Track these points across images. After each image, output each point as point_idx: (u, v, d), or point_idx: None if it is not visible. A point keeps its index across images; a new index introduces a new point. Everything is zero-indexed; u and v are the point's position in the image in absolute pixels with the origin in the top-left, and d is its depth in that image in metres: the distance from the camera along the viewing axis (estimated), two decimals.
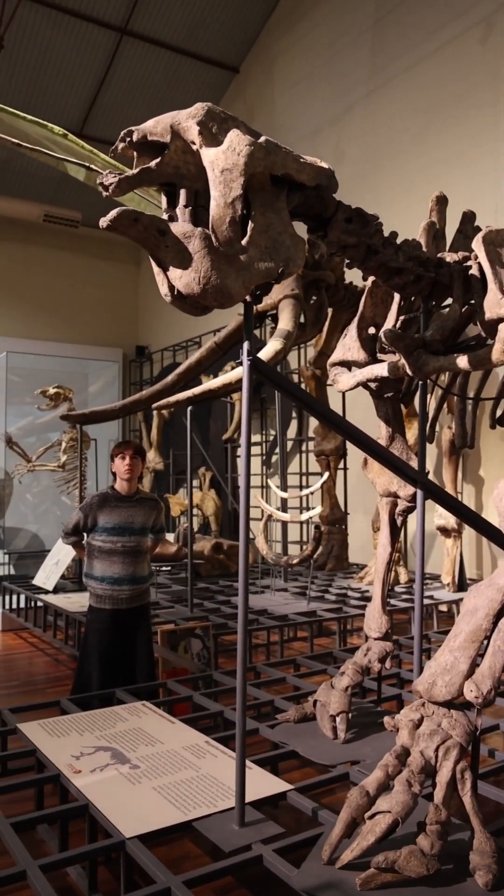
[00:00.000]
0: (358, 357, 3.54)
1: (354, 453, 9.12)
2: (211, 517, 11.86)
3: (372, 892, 2.28)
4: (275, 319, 6.07)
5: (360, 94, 10.57)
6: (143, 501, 4.79)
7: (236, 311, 6.42)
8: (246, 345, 2.59)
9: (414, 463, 3.60)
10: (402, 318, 3.50)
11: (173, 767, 3.19)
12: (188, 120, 2.25)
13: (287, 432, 11.12)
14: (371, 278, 3.46)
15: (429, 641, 5.77)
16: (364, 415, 5.27)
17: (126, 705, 4.08)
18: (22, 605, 7.91)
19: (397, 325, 3.48)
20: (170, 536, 9.27)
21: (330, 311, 7.32)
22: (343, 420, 3.01)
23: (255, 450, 11.87)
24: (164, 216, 2.35)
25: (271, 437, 12.03)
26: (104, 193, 2.24)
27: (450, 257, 3.32)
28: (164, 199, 2.39)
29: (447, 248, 3.80)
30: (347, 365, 3.68)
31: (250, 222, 2.31)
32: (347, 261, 2.98)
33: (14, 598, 8.10)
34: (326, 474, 8.16)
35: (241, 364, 2.64)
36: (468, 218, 4.01)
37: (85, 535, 4.80)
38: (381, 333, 3.11)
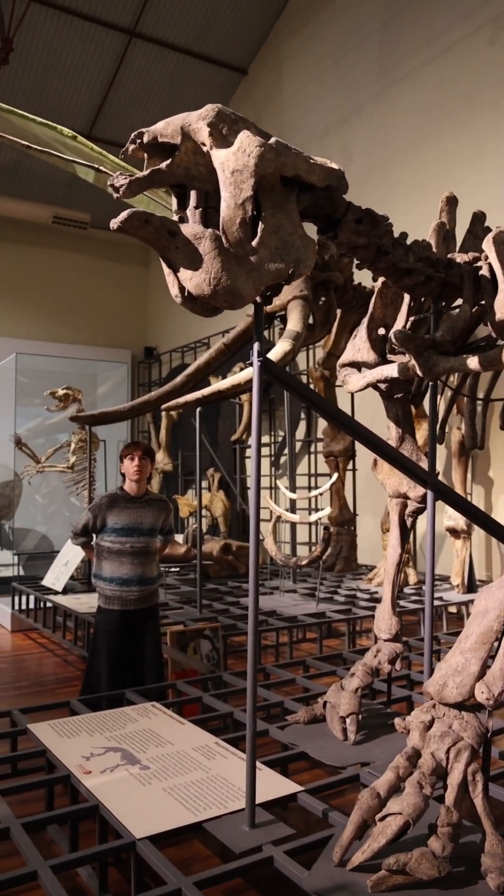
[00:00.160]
0: (368, 358, 3.54)
1: (363, 454, 9.11)
2: (219, 518, 11.86)
3: (383, 894, 2.27)
4: (283, 320, 6.07)
5: (369, 94, 10.57)
6: (152, 502, 4.80)
7: (245, 313, 6.42)
8: (256, 346, 2.59)
9: (424, 464, 3.59)
10: (412, 318, 3.50)
11: (183, 768, 3.19)
12: (199, 121, 2.25)
13: (296, 433, 11.12)
14: (381, 279, 3.45)
15: (438, 643, 5.75)
16: (372, 416, 5.27)
17: (136, 706, 4.08)
18: (31, 605, 7.92)
19: (407, 326, 3.48)
20: (179, 537, 9.28)
21: (339, 312, 7.31)
22: (353, 421, 3.01)
23: (264, 451, 11.87)
24: (175, 217, 2.35)
25: (280, 438, 12.02)
26: (115, 195, 2.25)
27: (460, 258, 3.31)
28: (174, 201, 2.39)
29: (457, 248, 3.79)
30: (357, 366, 3.67)
31: (261, 223, 2.31)
32: (357, 262, 2.98)
33: (23, 598, 8.12)
34: (335, 475, 8.16)
35: (250, 365, 2.64)
36: (478, 218, 4.00)
37: (94, 536, 4.81)
38: (392, 334, 3.10)
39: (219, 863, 2.85)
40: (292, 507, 8.40)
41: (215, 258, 2.24)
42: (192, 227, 2.27)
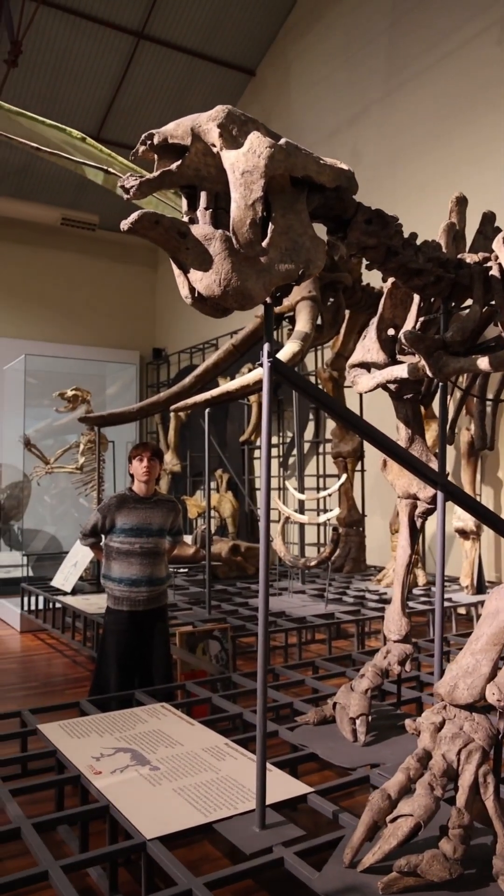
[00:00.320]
0: (377, 358, 3.53)
1: (372, 455, 9.09)
2: (228, 519, 11.87)
3: (394, 895, 2.27)
4: (292, 321, 6.06)
5: (377, 95, 10.56)
6: (161, 503, 4.80)
7: (253, 314, 6.42)
8: (266, 346, 2.59)
9: (434, 464, 3.58)
10: (421, 319, 3.49)
11: (193, 769, 3.19)
12: (209, 122, 2.25)
13: (304, 434, 11.11)
14: (391, 279, 3.45)
15: (448, 644, 5.73)
16: (381, 416, 5.26)
17: (145, 707, 4.08)
18: (40, 606, 7.94)
19: (417, 327, 3.47)
20: (187, 538, 9.28)
21: (347, 312, 7.30)
22: (363, 422, 3.00)
23: (273, 451, 11.87)
24: (185, 219, 2.36)
25: (289, 439, 12.02)
26: (125, 196, 2.25)
27: (470, 258, 3.30)
28: (184, 202, 2.39)
29: (467, 248, 3.78)
30: (367, 366, 3.67)
31: (270, 224, 2.31)
32: (367, 262, 2.97)
33: (33, 599, 8.14)
34: (344, 476, 8.15)
35: (259, 366, 2.63)
36: (488, 219, 3.99)
37: (103, 536, 4.82)
38: (402, 335, 3.10)
39: (228, 864, 2.85)
40: (301, 508, 8.40)
41: (225, 259, 2.24)
42: (202, 229, 2.27)
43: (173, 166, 2.25)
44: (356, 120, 10.96)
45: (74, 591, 7.69)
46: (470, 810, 2.37)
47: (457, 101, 9.19)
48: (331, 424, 10.20)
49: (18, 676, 6.25)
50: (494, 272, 3.18)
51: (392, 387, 3.66)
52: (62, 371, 12.47)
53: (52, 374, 12.11)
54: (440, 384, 3.56)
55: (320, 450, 11.07)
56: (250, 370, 7.94)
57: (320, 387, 9.16)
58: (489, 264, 3.23)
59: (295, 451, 10.70)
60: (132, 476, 4.79)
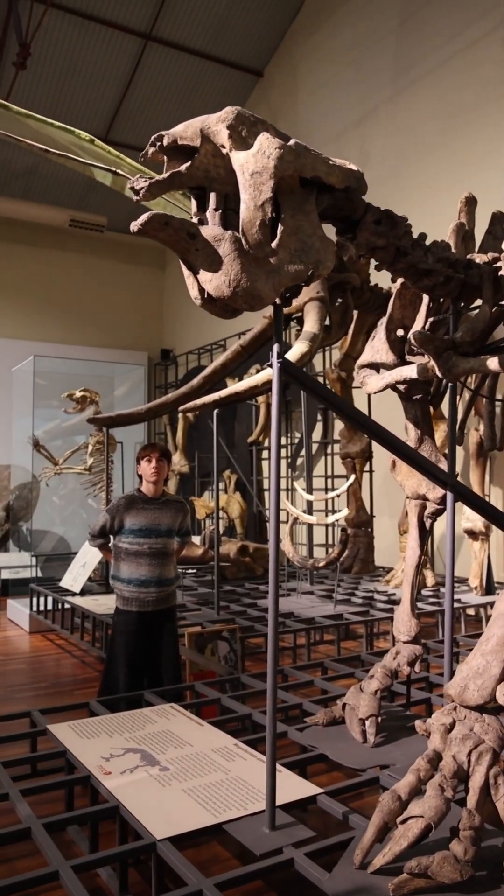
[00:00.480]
0: (387, 359, 3.53)
1: (380, 456, 9.08)
2: (236, 520, 11.86)
3: None
4: (300, 322, 6.07)
5: (385, 96, 10.55)
6: (170, 503, 4.81)
7: (262, 315, 6.42)
8: (276, 347, 2.60)
9: (443, 465, 3.57)
10: (430, 319, 3.49)
11: (203, 770, 3.19)
12: (218, 124, 2.25)
13: (312, 435, 11.10)
14: (400, 280, 3.44)
15: (457, 645, 5.72)
16: (389, 417, 5.25)
17: (154, 707, 4.09)
18: (49, 607, 7.96)
19: (426, 327, 3.47)
20: (195, 539, 9.29)
21: (355, 313, 7.30)
22: (373, 422, 3.00)
23: (281, 452, 11.86)
24: (194, 220, 2.36)
25: (296, 440, 12.01)
26: (134, 198, 2.26)
27: (479, 258, 3.30)
28: (193, 203, 2.39)
29: (476, 249, 3.77)
30: (376, 367, 3.67)
31: (280, 225, 2.31)
32: (376, 263, 2.97)
33: (41, 600, 8.16)
34: (352, 477, 8.13)
35: (268, 366, 2.63)
36: (497, 219, 3.98)
37: (111, 537, 4.83)
38: (411, 335, 3.09)
39: (238, 865, 2.85)
40: (309, 509, 8.39)
41: (235, 260, 2.24)
42: (211, 230, 2.28)
43: (183, 168, 2.26)
44: (364, 120, 10.95)
45: (83, 592, 7.70)
46: (481, 812, 2.37)
47: (464, 100, 9.17)
48: (339, 425, 10.19)
49: (28, 677, 6.27)
50: None
51: (401, 387, 3.66)
52: (71, 372, 12.51)
53: (61, 376, 12.14)
54: (449, 385, 3.55)
55: (328, 450, 11.06)
56: (258, 371, 7.93)
57: (328, 387, 9.16)
58: (498, 264, 3.22)
59: (303, 452, 10.70)
60: (140, 477, 4.80)
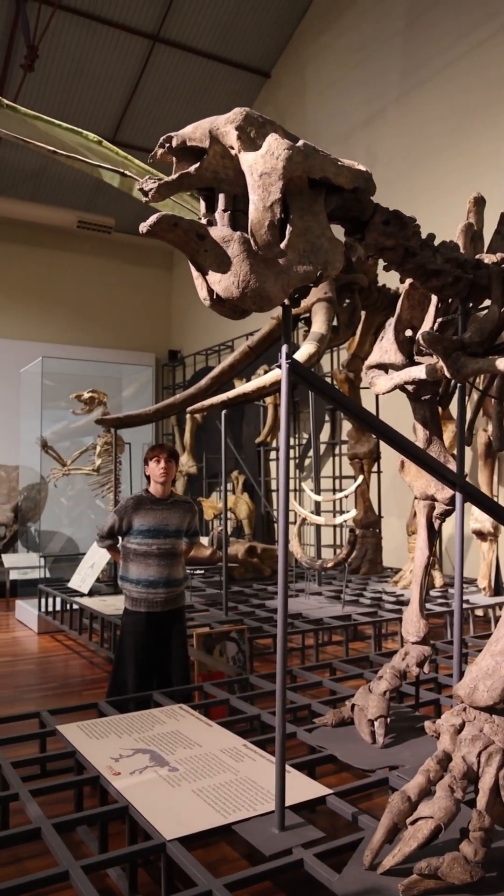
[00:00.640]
0: (395, 359, 3.52)
1: (388, 457, 9.07)
2: (244, 521, 11.87)
3: None
4: (307, 323, 6.06)
5: (392, 96, 10.54)
6: (178, 504, 4.81)
7: (269, 315, 6.42)
8: (285, 348, 2.60)
9: (452, 465, 3.57)
10: (439, 320, 3.48)
11: (212, 770, 3.19)
12: (227, 125, 2.26)
13: (320, 435, 11.10)
14: (408, 280, 3.44)
15: (466, 646, 5.71)
16: (397, 417, 5.24)
17: (163, 708, 4.09)
18: (58, 607, 7.98)
19: (435, 328, 3.46)
20: (203, 540, 9.30)
21: (363, 313, 7.29)
22: (382, 423, 3.00)
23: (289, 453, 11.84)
24: (203, 221, 2.36)
25: (304, 441, 12.01)
26: (143, 199, 2.26)
27: (488, 258, 3.29)
28: (202, 204, 2.40)
29: (485, 249, 3.77)
30: (384, 367, 3.66)
31: (289, 226, 2.31)
32: (385, 263, 2.97)
33: (50, 600, 8.18)
34: (360, 477, 8.13)
35: (277, 367, 2.64)
36: None
37: (120, 538, 4.84)
38: (420, 336, 3.09)
39: (246, 865, 2.85)
40: (317, 510, 8.39)
41: (244, 261, 2.25)
42: (220, 231, 2.28)
43: (192, 169, 2.26)
44: (371, 121, 10.94)
45: (91, 593, 7.72)
46: (491, 813, 2.36)
47: (472, 101, 9.15)
48: (347, 426, 10.18)
49: (36, 678, 6.29)
50: None
51: (410, 388, 3.65)
52: (79, 373, 12.53)
53: (69, 377, 12.16)
54: (458, 385, 3.55)
55: (336, 451, 11.05)
56: (266, 372, 7.94)
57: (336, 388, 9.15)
58: None
59: (311, 453, 10.69)
60: (148, 478, 4.80)
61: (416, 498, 3.92)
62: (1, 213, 13.89)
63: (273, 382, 5.45)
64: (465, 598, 7.26)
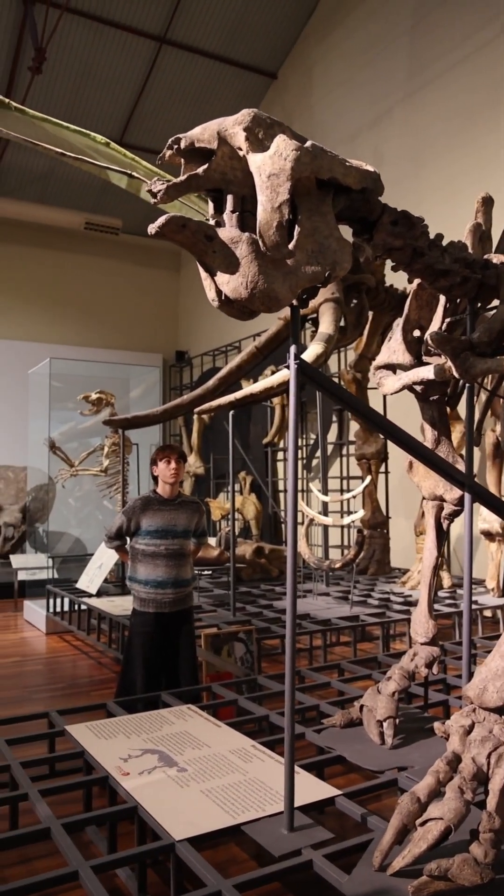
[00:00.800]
0: (403, 360, 3.52)
1: (395, 457, 9.05)
2: (251, 521, 11.87)
3: None
4: (315, 323, 6.07)
5: (399, 97, 10.53)
6: (186, 504, 4.82)
7: (277, 316, 6.43)
8: (293, 348, 2.60)
9: (460, 466, 3.56)
10: (447, 320, 3.47)
11: (221, 771, 3.19)
12: (235, 126, 2.26)
13: (328, 436, 11.09)
14: (416, 281, 3.43)
15: (475, 647, 5.69)
16: (404, 417, 5.24)
17: (172, 708, 4.10)
18: (66, 608, 8.00)
19: (443, 328, 3.45)
20: (211, 540, 9.31)
21: (370, 314, 7.29)
22: (391, 423, 2.99)
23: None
24: (211, 222, 2.37)
25: (312, 441, 12.00)
26: (152, 200, 2.27)
27: (496, 258, 3.28)
28: (210, 205, 2.40)
29: (493, 249, 3.76)
30: (392, 368, 3.65)
31: (297, 226, 2.31)
32: (393, 264, 2.96)
33: (58, 601, 8.20)
34: (368, 478, 8.12)
35: (285, 367, 2.64)
36: None
37: (128, 539, 4.84)
38: (428, 336, 3.08)
39: (255, 866, 2.85)
40: (325, 510, 8.39)
41: (252, 261, 2.25)
42: (228, 231, 2.28)
43: (200, 170, 2.27)
44: (378, 121, 10.93)
45: (99, 593, 7.73)
46: (501, 814, 2.35)
47: (478, 101, 9.14)
48: (354, 426, 10.17)
49: (45, 678, 6.30)
50: None
51: (418, 388, 3.64)
52: (86, 374, 12.56)
53: (77, 378, 12.20)
54: (467, 385, 3.54)
55: (344, 451, 11.04)
56: (273, 373, 7.94)
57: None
58: None
59: (318, 453, 10.69)
60: (155, 478, 4.81)
61: (424, 498, 3.91)
62: (9, 215, 13.95)
63: (281, 383, 5.45)
64: (473, 598, 7.24)
